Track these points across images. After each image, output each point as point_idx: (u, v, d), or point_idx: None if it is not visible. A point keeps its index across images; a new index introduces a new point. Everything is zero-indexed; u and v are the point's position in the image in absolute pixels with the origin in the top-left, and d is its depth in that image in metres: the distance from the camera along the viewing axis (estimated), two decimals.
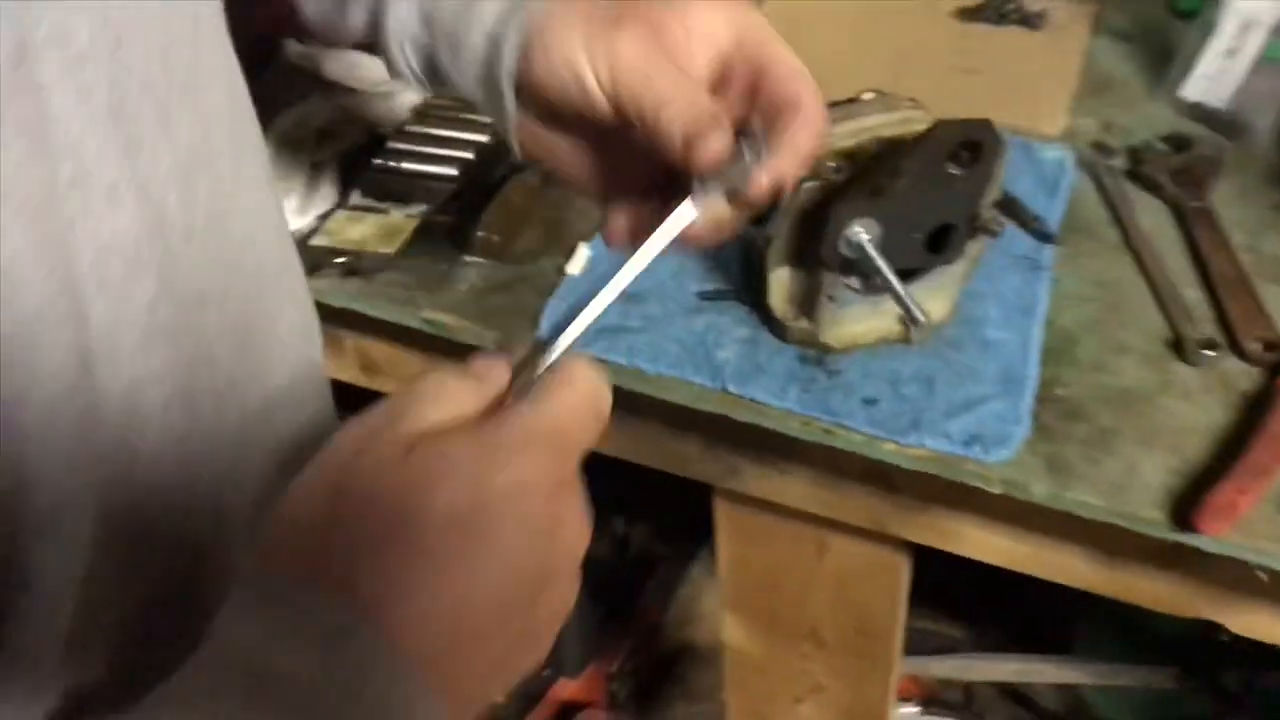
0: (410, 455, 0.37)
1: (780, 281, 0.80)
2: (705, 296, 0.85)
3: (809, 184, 0.74)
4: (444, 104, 1.01)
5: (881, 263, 0.72)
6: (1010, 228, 0.88)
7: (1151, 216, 0.91)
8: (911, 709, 1.47)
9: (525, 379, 0.42)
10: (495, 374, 0.42)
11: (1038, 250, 0.87)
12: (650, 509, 1.69)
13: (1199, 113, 0.99)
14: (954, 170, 0.74)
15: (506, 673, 0.39)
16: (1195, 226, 0.88)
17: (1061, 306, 0.84)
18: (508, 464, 0.37)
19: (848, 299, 0.78)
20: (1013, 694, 1.65)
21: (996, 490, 0.74)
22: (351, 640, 0.34)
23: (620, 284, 0.47)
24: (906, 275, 0.76)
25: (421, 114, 1.00)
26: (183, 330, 0.45)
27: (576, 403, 0.41)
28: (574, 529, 0.40)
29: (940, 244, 0.76)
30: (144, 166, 0.41)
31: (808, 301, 0.79)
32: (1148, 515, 0.71)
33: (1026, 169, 0.94)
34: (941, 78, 1.04)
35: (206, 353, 0.47)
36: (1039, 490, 0.73)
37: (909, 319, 0.74)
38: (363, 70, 1.00)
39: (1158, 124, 1.00)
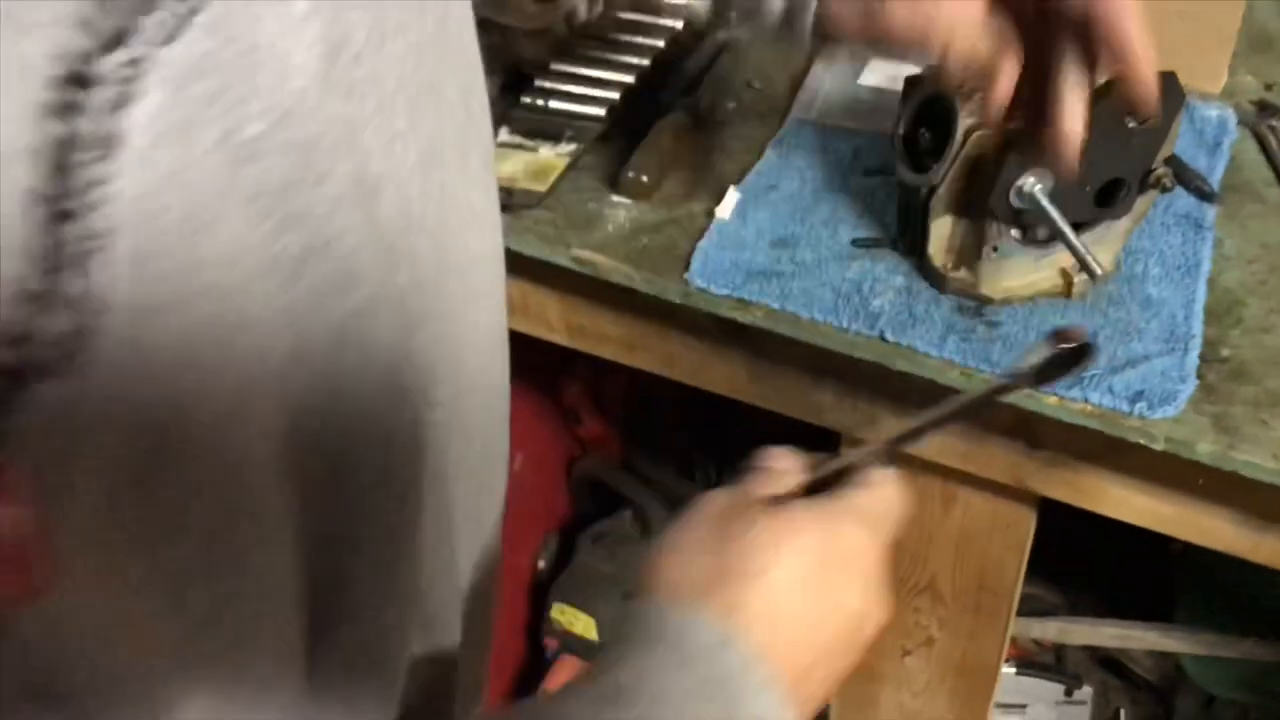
0: (774, 513, 0.47)
1: (942, 230, 0.79)
2: (859, 244, 0.85)
3: (981, 132, 0.73)
4: (590, 44, 1.01)
5: (1056, 215, 0.72)
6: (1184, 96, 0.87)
7: None
8: (1008, 669, 1.47)
9: (824, 473, 0.52)
10: (792, 463, 0.52)
11: (1199, 209, 0.85)
12: (744, 456, 1.69)
13: None
14: (1132, 124, 0.72)
15: (824, 700, 0.48)
16: None
17: (1224, 267, 0.83)
18: (847, 530, 0.47)
19: (1011, 251, 0.77)
20: (1106, 661, 1.64)
21: (1159, 448, 0.73)
22: (731, 652, 0.43)
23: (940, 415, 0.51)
24: (1072, 229, 0.75)
25: (569, 53, 1.00)
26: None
27: (886, 499, 0.50)
28: (882, 606, 0.49)
29: (1109, 198, 0.75)
30: (397, 162, 0.42)
31: (969, 252, 0.79)
32: None
33: (1187, 127, 0.92)
34: None
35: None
36: (1205, 450, 0.72)
37: (1086, 271, 0.73)
38: (510, 9, 1.00)
39: None
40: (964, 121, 0.74)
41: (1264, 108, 0.94)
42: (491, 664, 0.47)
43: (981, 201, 0.75)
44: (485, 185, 0.51)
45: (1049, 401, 0.76)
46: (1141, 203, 0.78)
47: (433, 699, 0.53)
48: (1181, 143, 0.91)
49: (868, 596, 0.48)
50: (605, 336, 0.99)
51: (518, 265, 0.92)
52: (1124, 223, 0.78)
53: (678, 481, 1.72)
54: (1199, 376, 0.75)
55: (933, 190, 0.77)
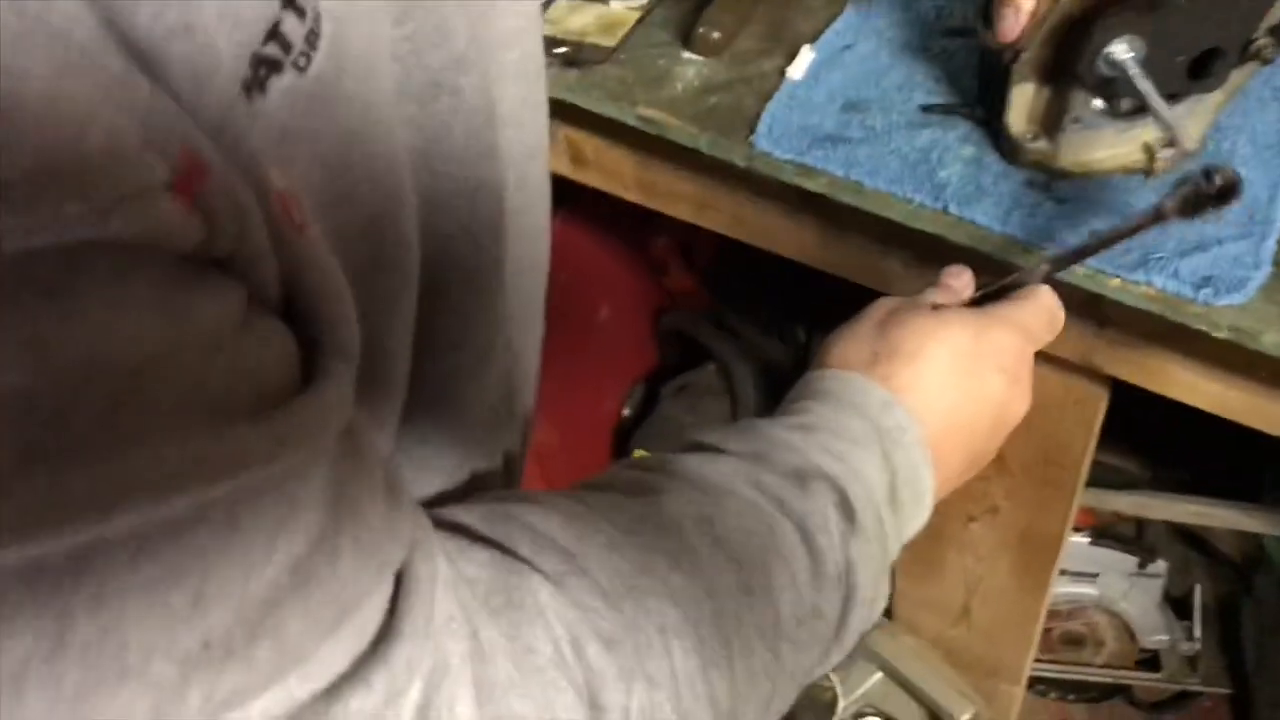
0: (933, 313, 0.57)
1: (1023, 98, 0.75)
2: (930, 109, 0.82)
3: None
4: None
5: (1148, 85, 0.67)
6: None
7: None
8: (1081, 539, 1.47)
9: (988, 290, 0.62)
10: (968, 280, 0.63)
11: None
12: (831, 319, 1.68)
13: None
14: None
15: (964, 475, 0.58)
16: None
17: None
18: (996, 330, 0.57)
19: (1094, 122, 0.74)
20: (1187, 535, 1.63)
21: (1222, 336, 0.71)
22: (892, 410, 0.53)
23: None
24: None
25: None
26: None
27: (1040, 308, 0.60)
28: (1023, 398, 0.59)
29: (1204, 69, 0.70)
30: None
31: (1050, 121, 0.75)
32: None
33: None
34: None
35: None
36: (1271, 340, 0.70)
37: (1176, 145, 0.69)
38: None
39: None
40: None
41: None
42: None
43: (1068, 68, 0.70)
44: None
45: (1111, 284, 0.74)
46: (1238, 75, 0.73)
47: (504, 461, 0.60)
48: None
49: (1010, 387, 0.57)
50: (677, 195, 0.99)
51: (590, 120, 0.92)
52: (1216, 96, 0.74)
53: (763, 338, 1.73)
54: (1275, 264, 0.72)
55: (1017, 54, 0.73)
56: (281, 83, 0.32)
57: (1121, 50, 0.68)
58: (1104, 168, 0.77)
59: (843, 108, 0.84)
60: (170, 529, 0.28)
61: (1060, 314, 0.61)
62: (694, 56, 0.89)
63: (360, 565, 0.34)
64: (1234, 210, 0.74)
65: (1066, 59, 0.70)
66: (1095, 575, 1.48)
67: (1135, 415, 1.20)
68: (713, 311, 1.77)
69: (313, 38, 0.33)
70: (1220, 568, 1.62)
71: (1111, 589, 1.49)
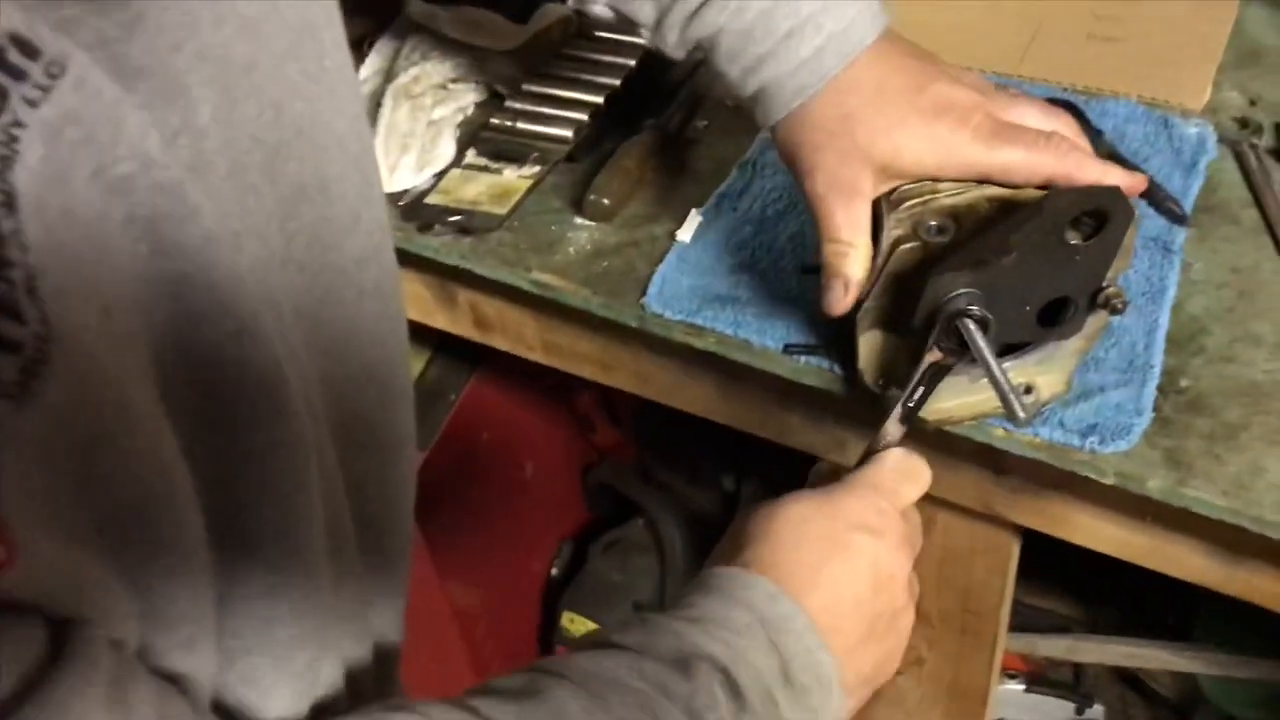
0: (778, 501, 0.59)
1: (872, 346, 0.72)
2: (792, 350, 0.80)
3: (907, 245, 0.68)
4: (562, 64, 1.01)
5: (983, 345, 0.64)
6: (1143, 207, 0.84)
7: None
8: (1016, 686, 1.45)
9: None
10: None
11: (1170, 232, 0.83)
12: (760, 467, 1.68)
13: None
14: (1074, 240, 0.64)
15: (870, 639, 0.56)
16: None
17: (1190, 292, 0.80)
18: (841, 497, 0.59)
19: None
20: (1125, 677, 1.61)
21: (1109, 482, 0.71)
22: (778, 601, 0.53)
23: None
24: (1015, 349, 0.69)
25: (540, 73, 0.99)
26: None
27: (886, 467, 0.62)
28: (895, 550, 0.59)
29: (1055, 316, 0.68)
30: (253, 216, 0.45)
31: (901, 370, 0.71)
32: (1272, 518, 0.67)
33: (1164, 145, 0.89)
34: (1079, 46, 0.99)
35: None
36: (1155, 485, 0.70)
37: (1008, 414, 0.65)
38: (483, 29, 1.00)
39: None
40: (891, 232, 0.68)
41: (1245, 124, 0.91)
42: (509, 669, 0.51)
43: (907, 318, 0.67)
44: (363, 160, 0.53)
45: (997, 434, 0.74)
46: (1095, 321, 0.70)
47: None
48: (1159, 161, 0.88)
49: (875, 541, 0.58)
50: (581, 355, 0.99)
51: (491, 285, 0.93)
52: (1076, 342, 0.71)
53: (691, 488, 1.72)
54: (1155, 409, 0.73)
55: (860, 303, 0.70)
56: None
57: (959, 307, 0.64)
58: (961, 415, 0.73)
59: (731, 268, 0.86)
60: None
61: (915, 464, 0.63)
62: (585, 222, 0.91)
63: None
64: (1114, 357, 0.76)
65: (907, 310, 0.67)
66: None
67: (1066, 557, 1.20)
68: (640, 464, 1.77)
69: (30, 370, 0.31)
70: (1158, 709, 1.60)
71: None
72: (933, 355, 0.66)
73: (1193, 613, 1.54)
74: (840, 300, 0.69)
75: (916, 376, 0.66)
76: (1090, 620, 1.61)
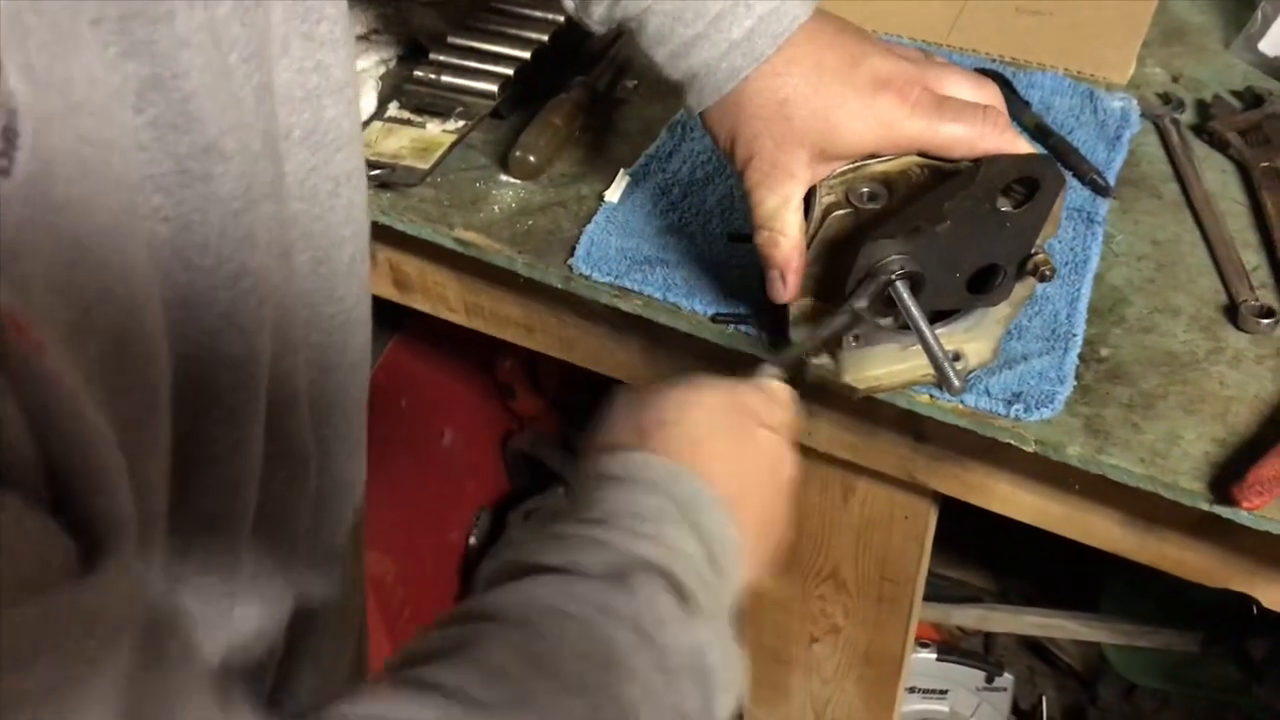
0: (679, 385, 0.59)
1: (802, 312, 0.71)
2: (719, 319, 0.79)
3: (839, 212, 0.67)
4: (488, 18, 0.98)
5: (916, 313, 0.64)
6: (1067, 178, 0.84)
7: (1216, 175, 0.87)
8: (928, 654, 1.47)
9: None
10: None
11: (1093, 203, 0.84)
12: None
13: (1277, 68, 0.95)
14: (1005, 208, 0.64)
15: (762, 537, 0.57)
16: (1262, 188, 0.84)
17: (1112, 263, 0.81)
18: (748, 394, 0.61)
19: (876, 339, 0.70)
20: (1033, 646, 1.64)
21: (1030, 449, 0.72)
22: (681, 479, 0.53)
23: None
24: (944, 315, 0.69)
25: (465, 26, 0.97)
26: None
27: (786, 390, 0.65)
28: (790, 458, 0.61)
29: (984, 283, 0.68)
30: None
31: (831, 338, 0.71)
32: (1187, 485, 0.68)
33: (1088, 118, 0.90)
34: (1007, 19, 1.00)
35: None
36: (1074, 452, 0.71)
37: (943, 382, 0.65)
38: None
39: (1231, 78, 0.96)
40: (822, 199, 0.67)
41: (1168, 100, 0.92)
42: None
43: (840, 286, 0.67)
44: (342, 52, 0.52)
45: (922, 400, 0.74)
46: (1022, 288, 0.70)
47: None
48: (1083, 134, 0.89)
49: (777, 443, 0.59)
50: (504, 318, 0.97)
51: (412, 243, 0.90)
52: (1003, 309, 0.71)
53: (572, 472, 1.71)
54: (1076, 378, 0.74)
55: None
56: None
57: (891, 271, 0.64)
58: (891, 383, 0.73)
59: (659, 231, 0.84)
60: None
61: (787, 391, 0.65)
62: (511, 180, 0.89)
63: None
64: (1037, 325, 0.77)
65: (837, 277, 0.67)
66: (945, 691, 1.48)
67: (979, 529, 1.21)
68: (561, 433, 1.75)
69: (10, 135, 0.30)
70: (1065, 678, 1.64)
71: (961, 704, 1.49)
72: (858, 304, 0.65)
73: (1099, 586, 1.57)
74: (781, 291, 0.68)
75: (834, 322, 0.66)
76: (1001, 591, 1.65)
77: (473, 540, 1.72)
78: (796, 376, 0.68)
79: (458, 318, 1.01)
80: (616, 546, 0.48)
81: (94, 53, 0.35)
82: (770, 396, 0.63)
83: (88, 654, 0.28)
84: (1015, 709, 1.55)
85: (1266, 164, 0.85)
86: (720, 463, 0.55)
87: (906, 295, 0.63)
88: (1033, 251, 0.67)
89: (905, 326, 0.66)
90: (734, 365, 0.85)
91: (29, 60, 0.32)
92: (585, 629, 0.45)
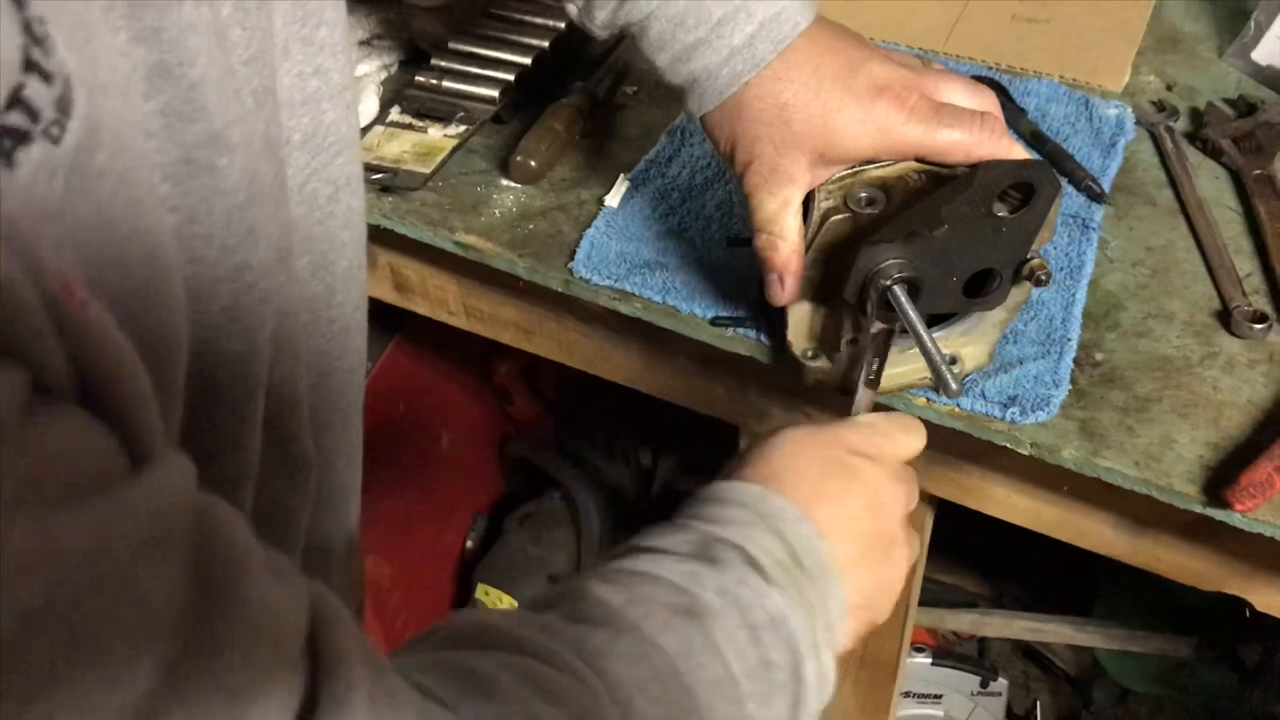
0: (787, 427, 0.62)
1: (801, 316, 0.72)
2: (718, 322, 0.80)
3: (837, 217, 0.68)
4: (489, 24, 0.99)
5: (914, 316, 0.64)
6: (1062, 184, 0.85)
7: (1210, 181, 0.88)
8: (923, 659, 1.47)
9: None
10: None
11: (1089, 209, 0.84)
12: (677, 443, 1.69)
13: (1270, 77, 0.96)
14: (1001, 213, 0.65)
15: (871, 586, 0.58)
16: (1255, 195, 0.85)
17: (1107, 268, 0.82)
18: (837, 427, 0.62)
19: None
20: (1028, 651, 1.65)
21: (1025, 452, 0.73)
22: (768, 499, 0.56)
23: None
24: (940, 319, 0.70)
25: (467, 32, 0.98)
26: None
27: (886, 417, 0.65)
28: (900, 500, 0.61)
29: (980, 288, 0.69)
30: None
31: (829, 341, 0.72)
32: (1180, 488, 0.69)
33: (1084, 125, 0.91)
34: (1003, 27, 1.01)
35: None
36: (1070, 455, 0.71)
37: (940, 385, 0.66)
38: None
39: (1224, 85, 0.97)
40: (821, 204, 0.68)
41: (1162, 108, 0.93)
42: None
43: (837, 290, 0.67)
44: (341, 57, 0.52)
45: (918, 403, 0.75)
46: (1018, 293, 0.71)
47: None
48: (1079, 141, 0.90)
49: (870, 466, 0.60)
50: (503, 321, 0.98)
51: (413, 247, 0.91)
52: (998, 314, 0.72)
53: (608, 464, 1.72)
54: (1071, 382, 0.75)
55: None
56: (32, 155, 0.30)
57: (889, 277, 0.64)
58: (888, 387, 0.72)
59: (659, 235, 0.85)
60: None
61: (913, 420, 0.65)
62: (511, 184, 0.89)
63: (250, 651, 0.32)
64: (1033, 330, 0.77)
65: (835, 281, 0.68)
66: (939, 696, 1.48)
67: (973, 535, 1.22)
68: (557, 438, 1.76)
69: (65, 104, 0.31)
70: (1060, 683, 1.64)
71: (956, 709, 1.49)
72: (875, 326, 0.66)
73: (1093, 590, 1.58)
74: (780, 294, 0.70)
75: (871, 348, 0.67)
76: (995, 596, 1.65)
77: (469, 544, 1.72)
78: (874, 399, 0.68)
79: (458, 321, 1.01)
80: (699, 531, 0.53)
81: (107, 36, 0.36)
82: (872, 429, 0.63)
83: (153, 546, 0.30)
84: (1010, 714, 1.56)
85: (1259, 171, 0.86)
86: (824, 503, 0.57)
87: (904, 299, 0.64)
88: (1029, 256, 0.68)
89: (902, 330, 0.67)
90: (732, 371, 0.86)
91: (70, 35, 0.32)
92: (673, 589, 0.50)
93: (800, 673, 0.51)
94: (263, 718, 0.32)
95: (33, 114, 0.29)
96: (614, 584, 0.50)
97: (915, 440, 0.64)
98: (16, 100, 0.29)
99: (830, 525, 0.56)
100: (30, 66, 0.29)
